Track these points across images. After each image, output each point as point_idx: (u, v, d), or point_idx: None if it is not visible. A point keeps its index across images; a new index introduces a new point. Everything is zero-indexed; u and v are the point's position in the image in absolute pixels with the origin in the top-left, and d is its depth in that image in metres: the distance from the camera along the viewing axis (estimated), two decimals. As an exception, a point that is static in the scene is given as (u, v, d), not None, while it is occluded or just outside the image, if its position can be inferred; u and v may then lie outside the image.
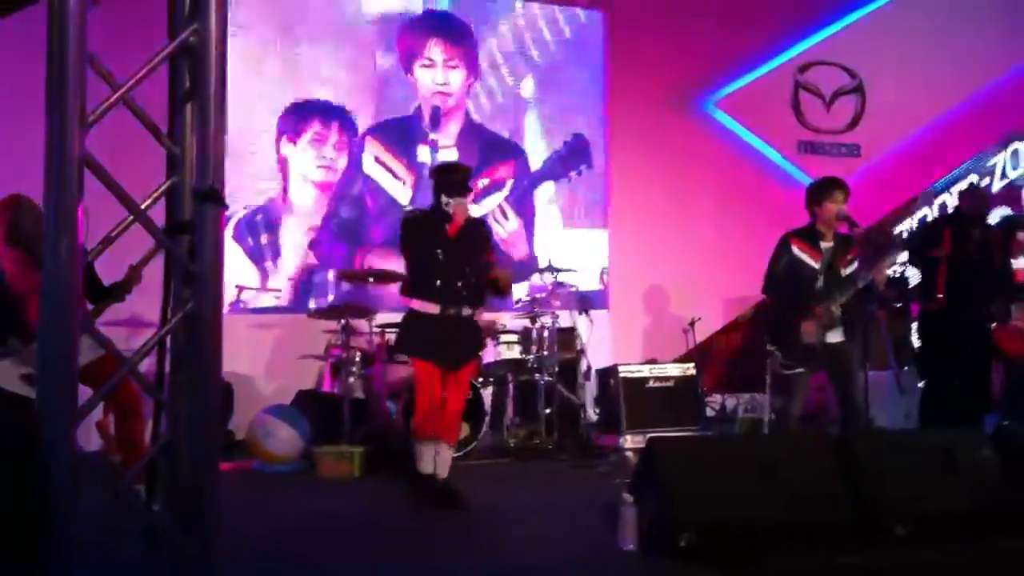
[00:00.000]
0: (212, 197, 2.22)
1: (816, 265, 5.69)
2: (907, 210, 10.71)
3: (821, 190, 5.80)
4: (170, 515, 2.28)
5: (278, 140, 8.43)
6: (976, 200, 7.18)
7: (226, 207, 2.27)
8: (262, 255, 8.36)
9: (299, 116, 8.53)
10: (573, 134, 9.56)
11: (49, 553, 2.02)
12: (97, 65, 2.14)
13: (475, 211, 8.78)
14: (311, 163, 8.60)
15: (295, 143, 8.54)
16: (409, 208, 8.42)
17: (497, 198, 9.22)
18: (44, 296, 2.03)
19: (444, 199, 5.35)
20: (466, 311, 5.39)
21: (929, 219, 10.83)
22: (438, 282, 5.29)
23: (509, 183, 9.25)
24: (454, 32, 9.09)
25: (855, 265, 5.76)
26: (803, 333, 5.57)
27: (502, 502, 5.44)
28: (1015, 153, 11.28)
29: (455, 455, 6.82)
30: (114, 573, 2.75)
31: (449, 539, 4.67)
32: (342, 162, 8.70)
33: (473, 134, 9.11)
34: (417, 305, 5.39)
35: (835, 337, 5.65)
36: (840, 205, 5.71)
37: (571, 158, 9.48)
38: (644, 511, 4.17)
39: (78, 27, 2.06)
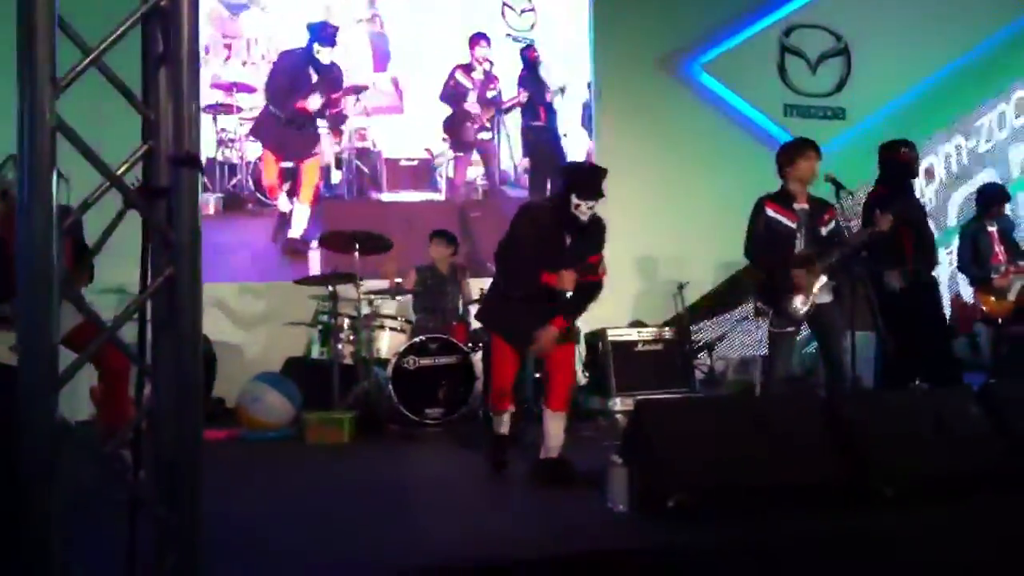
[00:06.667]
0: (189, 162, 2.19)
1: (793, 226, 5.69)
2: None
3: (794, 149, 5.82)
4: (153, 485, 2.26)
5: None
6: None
7: (202, 171, 2.24)
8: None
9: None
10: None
11: (27, 525, 1.99)
12: (68, 28, 2.09)
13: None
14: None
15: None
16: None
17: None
18: (20, 263, 2.00)
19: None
20: None
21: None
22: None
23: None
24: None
25: (832, 225, 5.76)
26: (795, 304, 5.58)
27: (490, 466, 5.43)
28: (1002, 115, 11.30)
29: (444, 419, 6.87)
30: (98, 544, 2.73)
31: (438, 505, 4.68)
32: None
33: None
34: None
35: (823, 298, 5.67)
36: (814, 163, 5.71)
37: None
38: (633, 473, 4.17)
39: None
